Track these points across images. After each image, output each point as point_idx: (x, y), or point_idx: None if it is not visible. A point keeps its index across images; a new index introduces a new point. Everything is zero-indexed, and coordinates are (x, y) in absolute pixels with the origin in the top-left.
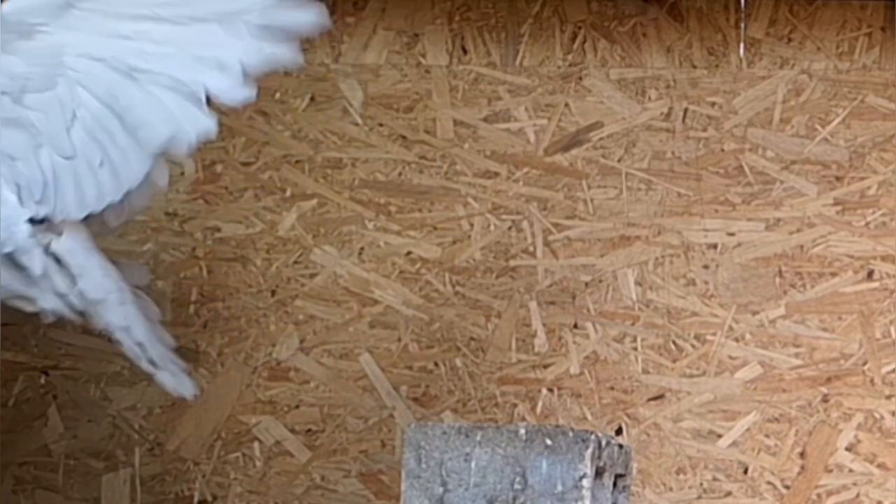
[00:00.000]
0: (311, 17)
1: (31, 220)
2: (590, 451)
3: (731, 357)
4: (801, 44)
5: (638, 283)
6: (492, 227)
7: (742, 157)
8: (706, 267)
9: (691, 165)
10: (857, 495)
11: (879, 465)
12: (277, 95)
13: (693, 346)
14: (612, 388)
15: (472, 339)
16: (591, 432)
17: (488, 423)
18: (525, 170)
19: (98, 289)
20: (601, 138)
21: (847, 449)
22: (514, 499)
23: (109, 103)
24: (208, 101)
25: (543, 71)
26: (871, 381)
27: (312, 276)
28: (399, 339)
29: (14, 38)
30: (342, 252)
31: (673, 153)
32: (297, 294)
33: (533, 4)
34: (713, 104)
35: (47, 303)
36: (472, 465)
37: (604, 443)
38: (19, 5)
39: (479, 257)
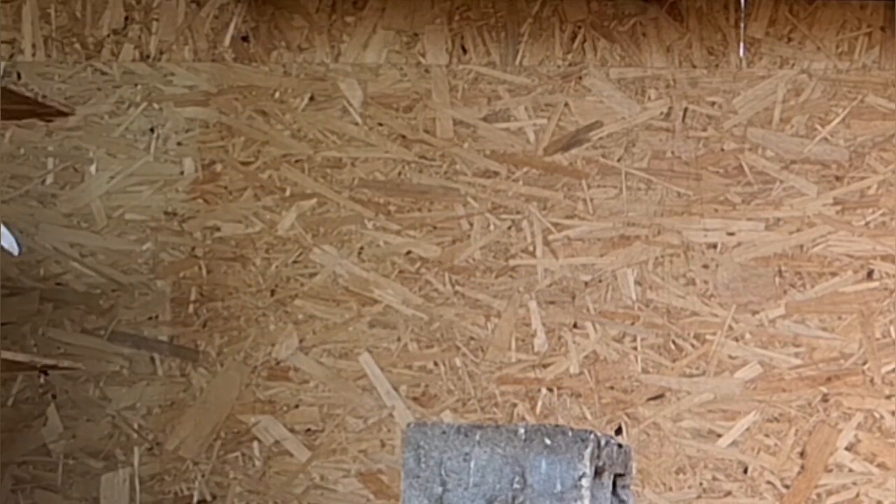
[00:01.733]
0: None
1: None
2: (589, 450)
3: (731, 357)
4: (801, 44)
5: (638, 283)
6: (491, 227)
7: (742, 156)
8: (706, 267)
9: (691, 165)
10: (857, 495)
11: (879, 465)
12: (277, 95)
13: (693, 345)
14: (611, 388)
15: (472, 338)
16: (591, 432)
17: (488, 422)
18: (525, 169)
19: None
20: (601, 138)
21: (847, 449)
22: (514, 498)
23: None
24: None
25: (543, 70)
26: (871, 380)
27: (312, 275)
28: (399, 339)
29: None
30: (342, 252)
31: (673, 153)
32: (297, 294)
33: (533, 4)
34: (713, 104)
35: None
36: (472, 464)
37: (603, 442)
38: None
39: (478, 257)
